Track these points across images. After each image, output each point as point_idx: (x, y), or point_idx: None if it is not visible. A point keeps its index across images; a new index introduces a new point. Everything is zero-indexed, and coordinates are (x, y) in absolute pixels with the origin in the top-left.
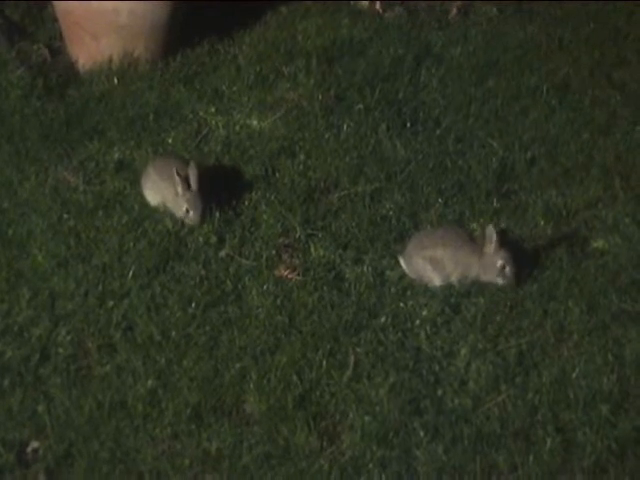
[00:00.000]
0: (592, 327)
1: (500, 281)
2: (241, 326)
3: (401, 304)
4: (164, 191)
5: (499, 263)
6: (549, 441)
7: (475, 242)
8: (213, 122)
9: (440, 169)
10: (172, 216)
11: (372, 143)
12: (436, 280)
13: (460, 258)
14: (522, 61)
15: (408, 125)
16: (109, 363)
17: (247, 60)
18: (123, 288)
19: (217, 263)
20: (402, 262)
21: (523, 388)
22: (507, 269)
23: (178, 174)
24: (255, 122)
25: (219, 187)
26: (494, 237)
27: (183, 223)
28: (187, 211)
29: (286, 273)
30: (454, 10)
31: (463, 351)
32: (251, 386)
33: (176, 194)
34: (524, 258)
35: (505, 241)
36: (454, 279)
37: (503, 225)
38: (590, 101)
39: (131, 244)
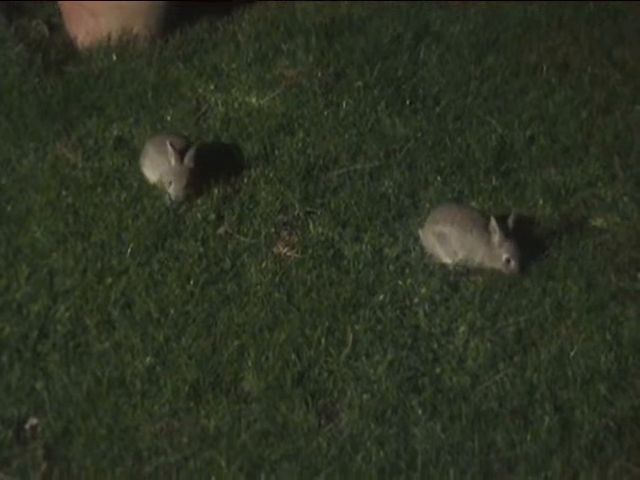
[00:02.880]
0: (590, 306)
1: (505, 271)
2: (239, 303)
3: (400, 282)
4: (161, 167)
5: (504, 257)
6: (547, 419)
7: (485, 228)
8: (212, 99)
9: (439, 147)
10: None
11: (371, 121)
12: (443, 256)
13: (467, 241)
14: (522, 39)
15: (407, 103)
16: (107, 340)
17: (246, 37)
18: (122, 265)
19: (215, 240)
20: (421, 236)
21: (521, 366)
22: (512, 263)
23: (172, 146)
24: (254, 99)
25: (218, 164)
26: (498, 230)
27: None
28: (170, 183)
29: (285, 251)
30: None
31: (461, 329)
32: (249, 363)
33: (169, 166)
34: (523, 238)
35: (510, 231)
36: (461, 258)
37: (503, 204)
38: (590, 80)
39: (130, 221)
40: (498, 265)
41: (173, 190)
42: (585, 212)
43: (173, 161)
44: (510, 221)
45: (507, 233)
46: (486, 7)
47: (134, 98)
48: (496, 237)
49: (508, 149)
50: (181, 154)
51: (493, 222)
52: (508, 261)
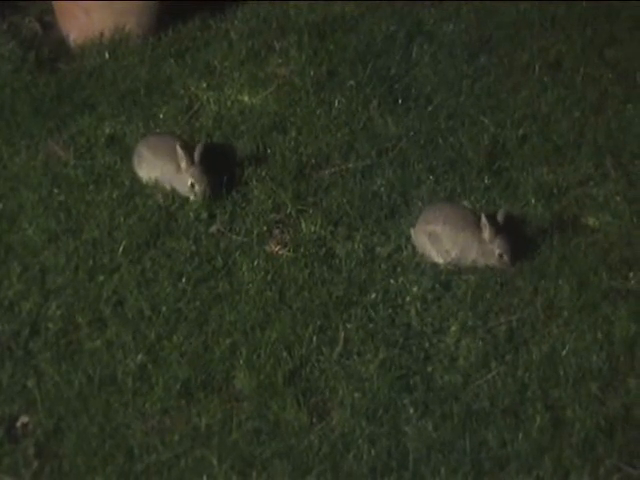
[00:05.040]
0: (582, 305)
1: (498, 267)
2: (231, 302)
3: (391, 281)
4: (162, 169)
5: (497, 252)
6: (538, 418)
7: (477, 226)
8: (204, 97)
9: (431, 146)
10: (163, 191)
11: (363, 119)
12: (435, 256)
13: (459, 239)
14: (514, 38)
15: (400, 101)
16: (99, 338)
17: (239, 35)
18: (113, 263)
19: (208, 239)
20: (412, 235)
21: (513, 365)
22: (505, 257)
23: (182, 149)
24: (246, 98)
25: (210, 163)
26: (488, 226)
27: (174, 199)
28: (192, 186)
29: (277, 249)
30: None
31: (453, 328)
32: (241, 362)
33: (179, 170)
34: (515, 236)
35: (501, 227)
36: (453, 257)
37: (495, 203)
38: (582, 79)
39: (122, 219)
40: (491, 261)
41: (198, 191)
42: (577, 211)
43: (185, 164)
44: (499, 216)
45: (497, 229)
46: (478, 6)
47: (126, 96)
48: (487, 233)
49: (500, 148)
50: (190, 155)
51: (483, 218)
52: (501, 256)
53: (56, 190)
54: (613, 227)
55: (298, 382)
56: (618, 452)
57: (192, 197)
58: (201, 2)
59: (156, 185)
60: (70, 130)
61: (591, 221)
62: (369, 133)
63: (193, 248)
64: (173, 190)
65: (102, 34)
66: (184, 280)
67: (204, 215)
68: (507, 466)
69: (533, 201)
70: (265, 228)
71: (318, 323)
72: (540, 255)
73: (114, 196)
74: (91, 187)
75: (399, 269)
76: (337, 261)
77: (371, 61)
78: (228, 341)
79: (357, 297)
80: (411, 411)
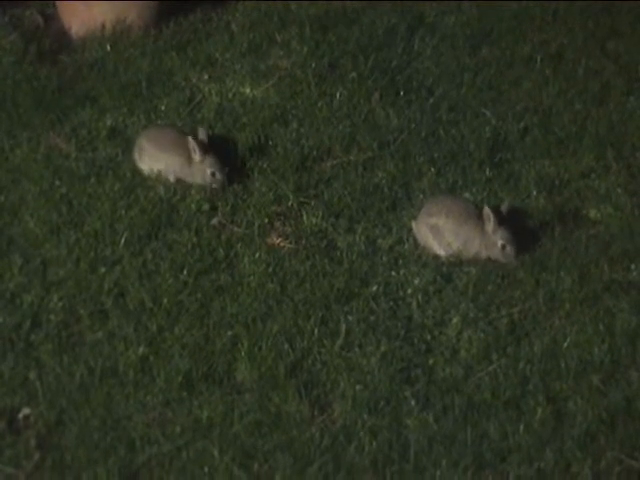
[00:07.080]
0: (583, 297)
1: (501, 259)
2: (233, 294)
3: (393, 273)
4: (167, 161)
5: (500, 243)
6: (540, 410)
7: (479, 219)
8: (206, 89)
9: (433, 138)
10: (165, 183)
11: (365, 112)
12: (437, 248)
13: (461, 231)
14: (516, 31)
15: (401, 94)
16: (100, 330)
17: (240, 27)
18: (115, 255)
19: (209, 231)
20: (414, 228)
21: (514, 358)
22: (508, 248)
23: (194, 140)
24: (248, 90)
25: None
26: (492, 217)
27: (175, 191)
28: (213, 174)
29: (278, 241)
30: None
31: (455, 320)
32: (242, 354)
33: (190, 161)
34: (517, 229)
35: (504, 219)
36: (455, 250)
37: (497, 196)
38: (584, 71)
39: (123, 211)
40: (494, 253)
41: (219, 178)
42: (579, 203)
43: (199, 156)
44: (503, 209)
45: (501, 220)
46: None
47: (128, 88)
48: (490, 225)
49: (502, 140)
50: (202, 145)
51: (487, 210)
52: (504, 247)
53: (57, 182)
54: (614, 219)
55: (299, 374)
56: (619, 444)
57: (214, 186)
58: None
59: (158, 177)
60: (71, 122)
61: (592, 213)
62: (370, 125)
63: (194, 240)
64: (178, 182)
65: (104, 26)
66: (185, 272)
67: (205, 207)
68: (508, 458)
69: (534, 193)
70: (266, 220)
71: (319, 315)
72: (541, 247)
73: (115, 188)
74: (92, 179)
75: (400, 261)
76: (338, 253)
77: (373, 54)
78: (229, 333)
79: (358, 289)
80: (412, 403)
